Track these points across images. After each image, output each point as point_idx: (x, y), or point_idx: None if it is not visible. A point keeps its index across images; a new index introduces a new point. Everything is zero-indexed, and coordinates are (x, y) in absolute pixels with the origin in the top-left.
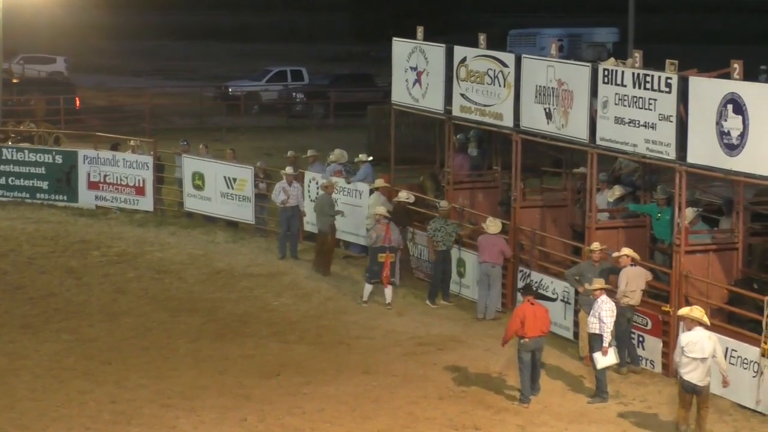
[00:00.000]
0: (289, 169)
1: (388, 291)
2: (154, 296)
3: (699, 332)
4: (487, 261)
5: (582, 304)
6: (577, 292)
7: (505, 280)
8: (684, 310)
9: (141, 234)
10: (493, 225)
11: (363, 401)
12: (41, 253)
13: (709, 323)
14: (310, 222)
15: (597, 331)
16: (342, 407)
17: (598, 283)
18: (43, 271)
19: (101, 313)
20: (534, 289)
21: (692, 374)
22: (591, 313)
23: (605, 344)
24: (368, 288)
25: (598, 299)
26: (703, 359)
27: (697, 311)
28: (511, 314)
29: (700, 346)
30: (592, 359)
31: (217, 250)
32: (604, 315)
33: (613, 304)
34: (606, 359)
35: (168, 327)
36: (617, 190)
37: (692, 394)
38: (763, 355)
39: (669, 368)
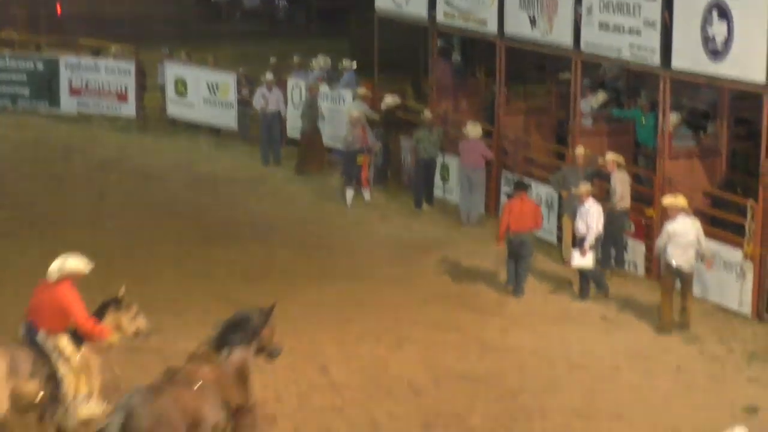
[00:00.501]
0: (268, 75)
1: (367, 192)
2: (138, 202)
3: (683, 219)
4: (467, 165)
5: (566, 208)
6: (560, 197)
7: (489, 185)
8: (668, 200)
9: (124, 139)
10: (473, 129)
11: (347, 304)
12: (23, 158)
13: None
14: (294, 127)
15: (582, 234)
16: (326, 310)
17: (585, 187)
18: (25, 177)
19: (84, 218)
20: (525, 185)
21: (680, 259)
22: (578, 216)
23: (585, 245)
24: (350, 192)
25: (586, 203)
26: (690, 245)
27: (681, 200)
28: (502, 212)
29: (685, 232)
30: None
31: (199, 156)
32: (591, 219)
33: (600, 207)
34: (582, 260)
35: (151, 232)
36: (601, 96)
37: (676, 278)
38: (745, 257)
39: (652, 271)
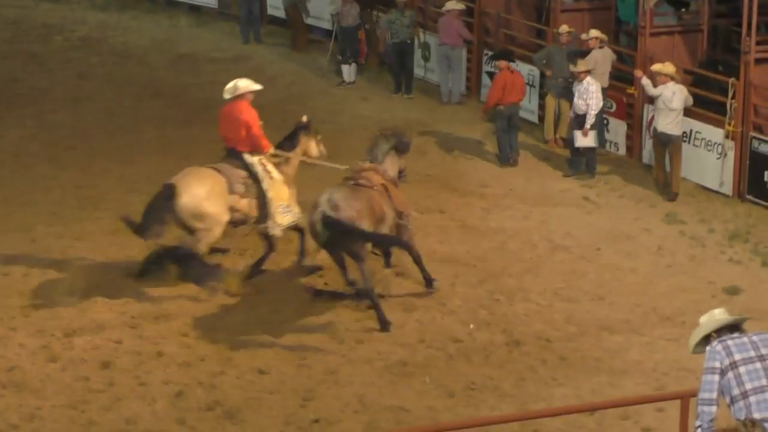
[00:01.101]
0: None
1: (351, 69)
2: (118, 81)
3: (672, 85)
4: (445, 43)
5: (549, 87)
6: (543, 76)
7: (470, 64)
8: (657, 66)
9: (103, 18)
10: (451, 3)
11: (327, 185)
12: (3, 38)
13: (679, 78)
14: (273, 5)
15: (582, 112)
16: (305, 192)
17: (583, 64)
18: (5, 57)
19: (65, 98)
20: (510, 52)
21: (667, 125)
22: (577, 95)
23: (587, 125)
24: (345, 68)
25: (584, 81)
26: (676, 110)
27: (669, 66)
28: (491, 84)
29: (670, 99)
30: (572, 138)
31: (180, 35)
32: (590, 97)
33: (599, 85)
34: (585, 140)
35: (132, 112)
36: None
37: (664, 145)
38: (727, 136)
39: (633, 151)
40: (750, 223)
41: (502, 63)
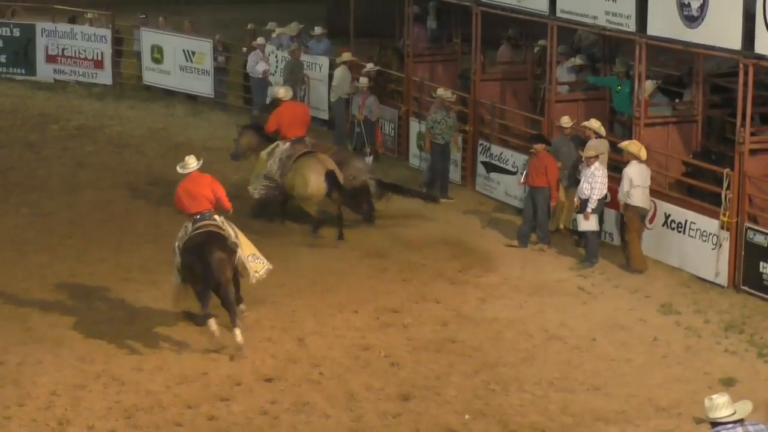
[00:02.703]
0: (260, 39)
1: (370, 160)
2: (114, 170)
3: (638, 164)
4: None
5: (561, 178)
6: None
7: (465, 153)
8: (624, 144)
9: (100, 107)
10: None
11: (324, 275)
12: (0, 126)
13: (645, 157)
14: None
15: (585, 196)
16: (303, 281)
17: (592, 149)
18: (2, 145)
19: (61, 186)
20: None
21: (644, 201)
22: (583, 179)
23: (588, 209)
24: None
25: (591, 167)
26: (646, 187)
27: (634, 145)
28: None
29: (643, 175)
30: (576, 222)
31: (176, 124)
32: (594, 181)
33: (605, 171)
34: (587, 224)
35: (128, 201)
36: (579, 59)
37: (640, 219)
38: (722, 227)
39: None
40: (746, 314)
41: (539, 146)
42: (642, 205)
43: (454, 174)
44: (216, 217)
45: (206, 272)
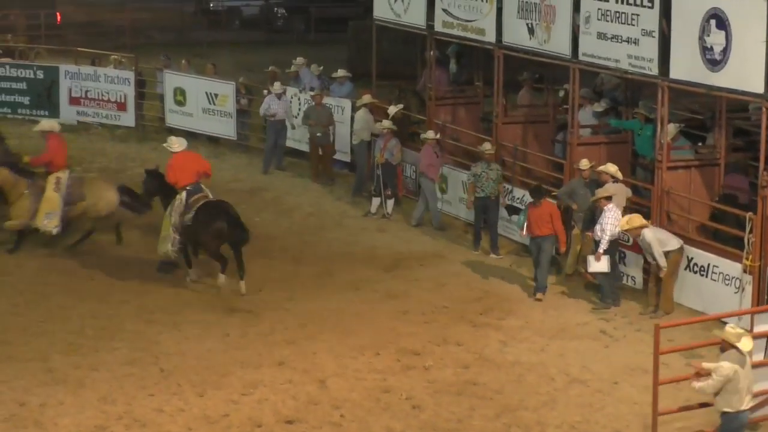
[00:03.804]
0: (277, 85)
1: (390, 203)
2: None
3: (650, 229)
4: (423, 172)
5: (576, 221)
6: (568, 210)
7: None
8: (622, 223)
9: (123, 150)
10: (430, 133)
11: (345, 317)
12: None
13: (647, 224)
14: (293, 138)
15: (599, 238)
16: (324, 323)
17: (602, 192)
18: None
19: (83, 229)
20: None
21: (672, 240)
22: (597, 221)
23: (599, 249)
24: (375, 201)
25: (605, 208)
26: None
27: (636, 220)
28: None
29: (659, 236)
30: (586, 262)
31: None
32: (605, 222)
33: (618, 213)
34: (597, 265)
35: (150, 243)
36: (603, 104)
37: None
38: (745, 271)
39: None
40: None
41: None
42: (676, 243)
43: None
44: (203, 187)
45: (236, 233)
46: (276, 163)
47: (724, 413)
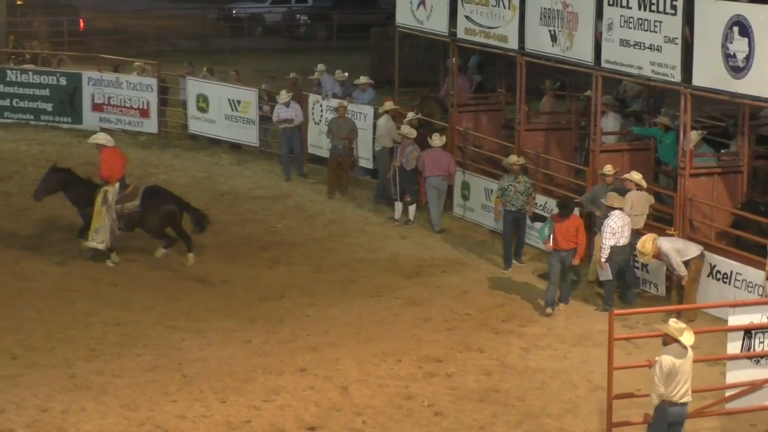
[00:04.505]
0: (283, 94)
1: (412, 209)
2: None
3: (666, 239)
4: (437, 174)
5: (599, 227)
6: (591, 216)
7: None
8: (640, 257)
9: (145, 156)
10: (437, 139)
11: (367, 323)
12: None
13: (656, 236)
14: (314, 144)
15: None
16: (346, 329)
17: (614, 200)
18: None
19: None
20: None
21: (693, 248)
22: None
23: (602, 258)
24: (398, 206)
25: (609, 213)
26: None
27: (647, 244)
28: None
29: (677, 246)
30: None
31: (221, 173)
32: (604, 228)
33: (621, 220)
34: (602, 272)
35: (173, 249)
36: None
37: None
38: (767, 278)
39: (672, 290)
40: None
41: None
42: (696, 250)
43: (499, 224)
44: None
45: (193, 214)
46: (296, 169)
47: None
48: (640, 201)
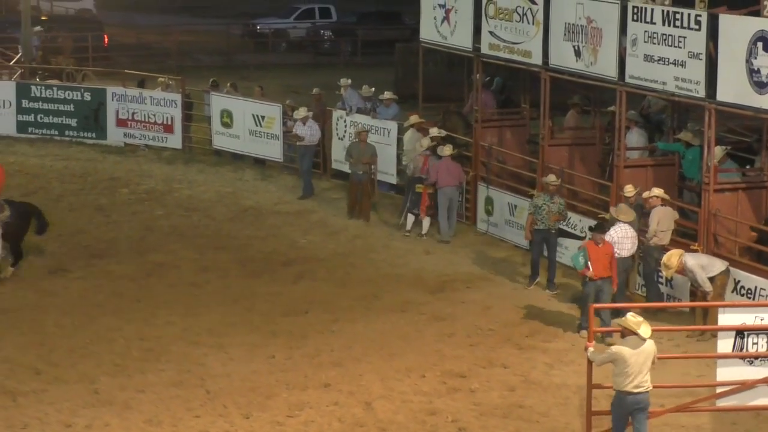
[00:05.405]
0: (302, 110)
1: (426, 222)
2: (183, 234)
3: (692, 254)
4: (452, 184)
5: None
6: None
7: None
8: (665, 273)
9: (169, 171)
10: (448, 149)
11: (391, 339)
12: (70, 190)
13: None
14: (338, 160)
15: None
16: (370, 345)
17: (620, 211)
18: (72, 209)
19: (130, 250)
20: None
21: (718, 263)
22: None
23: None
24: (410, 217)
25: (615, 225)
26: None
27: (673, 259)
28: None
29: (702, 261)
30: None
31: (245, 188)
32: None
33: (623, 232)
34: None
35: (196, 264)
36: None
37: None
38: None
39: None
40: None
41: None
42: (721, 266)
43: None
44: None
45: (43, 223)
46: (303, 189)
47: (616, 392)
48: (666, 216)
